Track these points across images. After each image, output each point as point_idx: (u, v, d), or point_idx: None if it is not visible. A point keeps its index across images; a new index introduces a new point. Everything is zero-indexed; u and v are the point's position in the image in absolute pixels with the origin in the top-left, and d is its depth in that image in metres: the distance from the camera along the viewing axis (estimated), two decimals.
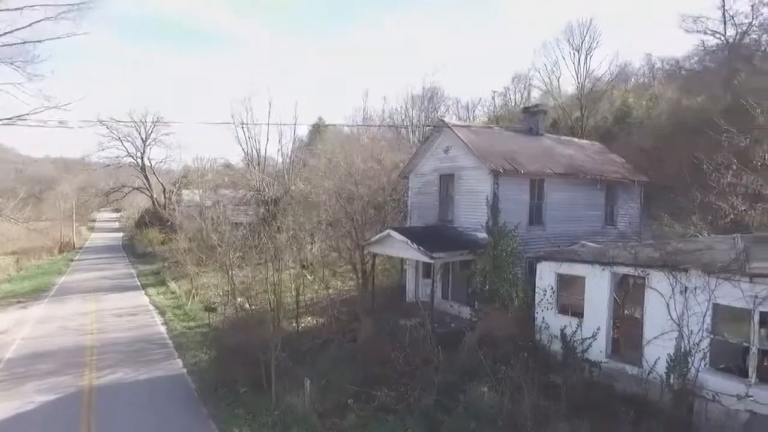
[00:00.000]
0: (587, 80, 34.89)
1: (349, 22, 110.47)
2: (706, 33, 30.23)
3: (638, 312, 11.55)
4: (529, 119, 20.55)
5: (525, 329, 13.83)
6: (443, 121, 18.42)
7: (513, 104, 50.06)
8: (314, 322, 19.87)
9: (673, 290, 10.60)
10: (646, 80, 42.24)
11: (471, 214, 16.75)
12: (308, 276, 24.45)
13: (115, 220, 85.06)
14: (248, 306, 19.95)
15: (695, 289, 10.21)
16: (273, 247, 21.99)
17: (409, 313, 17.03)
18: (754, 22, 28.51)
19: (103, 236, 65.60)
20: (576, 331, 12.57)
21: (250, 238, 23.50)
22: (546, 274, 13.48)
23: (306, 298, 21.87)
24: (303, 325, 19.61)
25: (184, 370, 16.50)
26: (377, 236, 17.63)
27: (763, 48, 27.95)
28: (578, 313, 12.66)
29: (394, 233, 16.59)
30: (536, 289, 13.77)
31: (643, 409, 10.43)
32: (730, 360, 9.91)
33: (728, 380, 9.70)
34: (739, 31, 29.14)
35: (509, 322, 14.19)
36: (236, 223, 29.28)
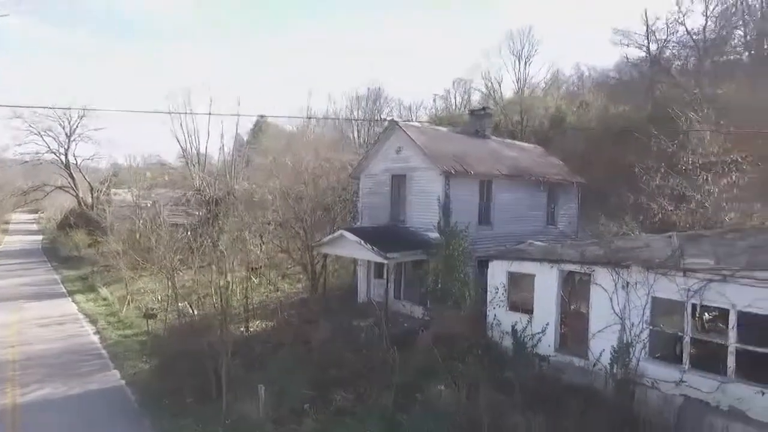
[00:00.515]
0: (526, 86, 36.45)
1: (307, 18, 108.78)
2: (629, 46, 32.62)
3: (584, 307, 12.16)
4: (476, 122, 21.12)
5: (477, 327, 14.16)
6: (395, 121, 18.51)
7: (453, 107, 51.43)
8: (263, 326, 19.28)
9: (616, 285, 11.25)
10: (575, 88, 44.92)
11: (423, 215, 16.94)
12: (254, 279, 23.70)
13: (33, 222, 78.16)
14: (192, 311, 19.03)
15: (636, 284, 10.90)
16: (216, 249, 21.12)
17: (362, 314, 16.94)
18: (670, 38, 31.16)
19: (20, 239, 60.11)
20: (526, 327, 13.02)
21: (191, 240, 22.41)
22: (497, 273, 13.88)
23: (254, 301, 21.18)
24: (252, 329, 18.98)
25: (123, 382, 15.44)
26: (329, 237, 17.40)
27: (681, 62, 30.50)
28: (528, 310, 13.13)
29: (347, 234, 16.43)
30: (488, 288, 14.13)
31: (589, 399, 10.98)
32: (667, 349, 10.66)
33: (665, 368, 10.42)
34: (660, 45, 31.69)
35: (462, 320, 14.49)
36: (175, 224, 27.84)
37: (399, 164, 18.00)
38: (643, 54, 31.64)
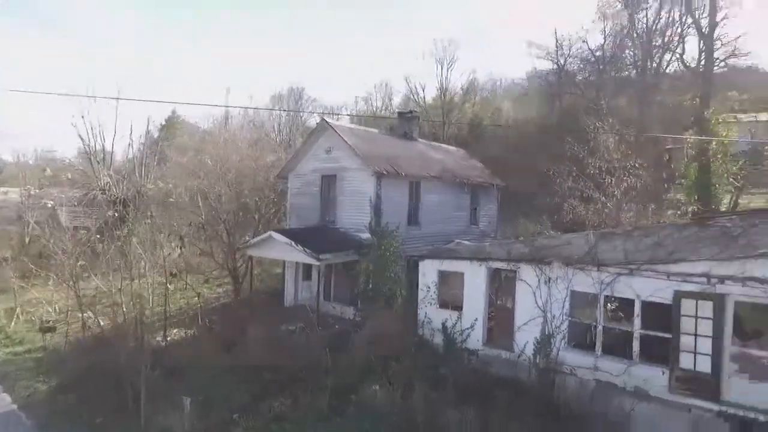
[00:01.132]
0: (448, 91, 37.86)
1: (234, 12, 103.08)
2: (539, 57, 35.16)
3: (510, 302, 12.90)
4: (404, 124, 21.57)
5: (409, 325, 14.46)
6: (326, 121, 18.33)
7: (375, 109, 52.06)
8: (184, 334, 18.16)
9: (539, 281, 12.06)
10: (489, 95, 47.54)
11: (354, 215, 16.97)
12: (171, 284, 22.22)
13: None
14: (99, 322, 17.45)
15: (557, 279, 11.77)
16: (126, 254, 19.53)
17: (291, 318, 16.60)
18: (576, 53, 34.07)
19: None
20: (456, 324, 13.52)
21: (95, 244, 20.51)
22: (429, 272, 14.27)
23: (172, 308, 19.86)
24: (170, 338, 17.80)
25: (15, 406, 13.79)
26: (257, 238, 16.83)
27: (585, 75, 33.39)
28: (457, 307, 13.64)
29: (276, 235, 15.99)
30: (419, 286, 14.48)
31: (515, 389, 11.68)
32: (582, 338, 11.62)
33: (581, 355, 11.36)
34: (566, 59, 34.51)
35: (394, 319, 14.70)
36: (77, 227, 25.30)
37: (329, 164, 17.87)
38: (552, 66, 34.23)
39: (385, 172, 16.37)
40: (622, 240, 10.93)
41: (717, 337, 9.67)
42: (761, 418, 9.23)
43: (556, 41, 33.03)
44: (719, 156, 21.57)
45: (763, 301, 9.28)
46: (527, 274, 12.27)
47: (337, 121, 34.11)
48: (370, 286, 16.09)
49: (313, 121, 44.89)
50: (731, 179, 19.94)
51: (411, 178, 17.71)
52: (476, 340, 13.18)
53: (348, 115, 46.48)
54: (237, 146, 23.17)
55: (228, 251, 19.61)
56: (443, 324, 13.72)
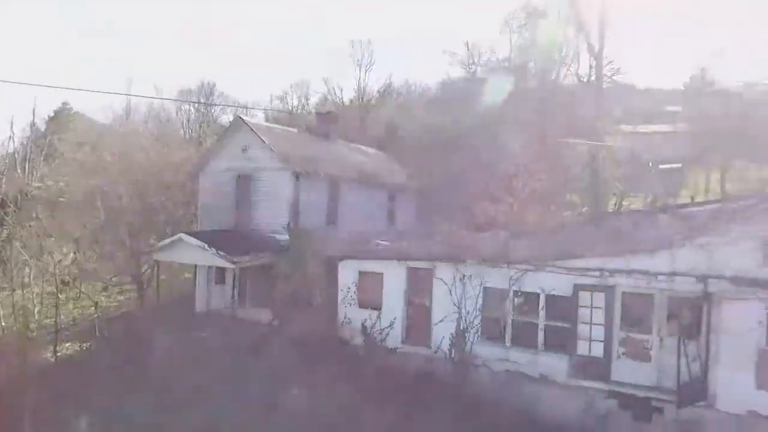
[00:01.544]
0: (365, 94, 38.23)
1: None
2: (451, 64, 36.80)
3: (427, 300, 13.37)
4: (323, 124, 21.42)
5: (329, 327, 14.41)
6: (242, 118, 17.70)
7: (292, 108, 51.14)
8: (78, 348, 16.55)
9: (454, 278, 12.63)
10: (404, 100, 48.79)
11: (272, 216, 16.55)
12: (61, 294, 20.11)
13: None
14: None
15: (471, 276, 12.42)
16: (6, 261, 17.43)
17: (204, 325, 15.83)
18: (481, 61, 36.14)
19: None
20: (376, 323, 13.73)
21: None
22: (348, 272, 14.34)
23: (65, 320, 18.02)
24: (60, 353, 16.15)
25: None
26: (166, 241, 15.82)
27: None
28: (377, 306, 13.86)
29: (187, 238, 15.14)
30: (339, 287, 14.49)
31: (432, 384, 12.15)
32: (494, 331, 12.34)
33: (493, 348, 12.10)
34: (477, 67, 36.45)
35: (314, 321, 14.56)
36: None
37: (245, 163, 17.26)
38: (465, 74, 35.95)
39: (303, 172, 16.19)
40: (529, 238, 11.82)
41: (608, 325, 10.80)
42: (640, 393, 10.46)
43: (468, 50, 34.77)
44: (607, 162, 24.07)
45: (644, 290, 10.52)
46: (444, 272, 12.80)
47: (252, 118, 33.14)
48: (289, 288, 15.79)
49: (226, 118, 43.02)
50: (617, 183, 22.29)
51: (330, 179, 17.66)
52: (395, 338, 13.48)
53: (264, 109, 45.18)
54: (141, 142, 21.57)
55: (131, 256, 18.20)
56: (363, 324, 13.85)
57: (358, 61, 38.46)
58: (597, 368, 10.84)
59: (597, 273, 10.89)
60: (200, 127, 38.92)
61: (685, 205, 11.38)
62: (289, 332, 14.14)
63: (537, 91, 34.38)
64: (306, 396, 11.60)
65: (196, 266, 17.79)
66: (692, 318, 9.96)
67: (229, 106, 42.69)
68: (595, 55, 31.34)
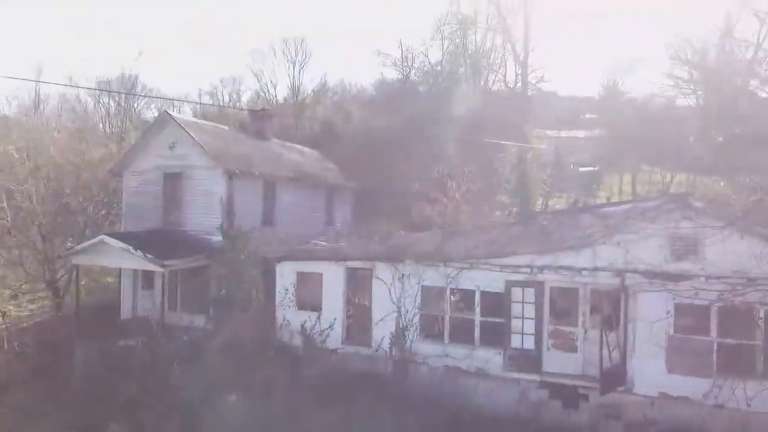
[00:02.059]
0: (299, 92, 37.64)
1: None
2: (386, 66, 37.21)
3: (367, 299, 13.42)
4: (256, 122, 20.81)
5: (267, 329, 14.06)
6: (169, 114, 16.76)
7: (222, 105, 49.22)
8: None
9: (393, 278, 12.78)
10: (339, 99, 48.63)
11: (204, 217, 15.84)
12: None
13: None
14: None
15: (409, 275, 12.62)
16: None
17: (130, 332, 14.82)
18: (415, 64, 36.89)
19: None
20: (315, 324, 13.58)
21: None
22: (287, 273, 14.06)
23: None
24: None
25: None
26: (85, 244, 14.63)
27: (428, 86, 36.29)
28: (316, 307, 13.71)
29: (110, 240, 14.11)
30: (277, 289, 14.18)
31: (372, 383, 12.21)
32: (433, 329, 12.64)
33: (433, 345, 12.38)
34: (409, 69, 37.11)
35: (251, 325, 14.13)
36: None
37: (173, 161, 16.37)
38: (398, 76, 36.50)
39: (237, 172, 15.63)
40: (464, 237, 12.22)
41: (538, 319, 11.42)
42: (567, 382, 11.18)
43: (402, 52, 35.33)
44: (534, 165, 25.48)
45: (569, 285, 11.26)
46: (383, 271, 12.91)
47: (179, 113, 31.54)
48: (223, 291, 15.20)
49: (150, 113, 40.61)
50: (543, 185, 23.65)
51: (266, 178, 17.21)
52: (335, 339, 13.40)
53: (193, 103, 43.10)
54: (54, 136, 19.81)
55: (44, 260, 16.66)
56: (302, 325, 13.65)
57: (291, 58, 37.77)
58: (529, 360, 11.44)
59: (527, 270, 11.49)
60: (122, 122, 36.39)
61: (603, 205, 12.25)
62: (224, 337, 13.62)
63: (468, 97, 35.68)
64: (243, 402, 11.22)
65: (120, 270, 16.63)
66: (612, 310, 10.79)
67: (153, 98, 40.34)
68: (520, 62, 33.12)
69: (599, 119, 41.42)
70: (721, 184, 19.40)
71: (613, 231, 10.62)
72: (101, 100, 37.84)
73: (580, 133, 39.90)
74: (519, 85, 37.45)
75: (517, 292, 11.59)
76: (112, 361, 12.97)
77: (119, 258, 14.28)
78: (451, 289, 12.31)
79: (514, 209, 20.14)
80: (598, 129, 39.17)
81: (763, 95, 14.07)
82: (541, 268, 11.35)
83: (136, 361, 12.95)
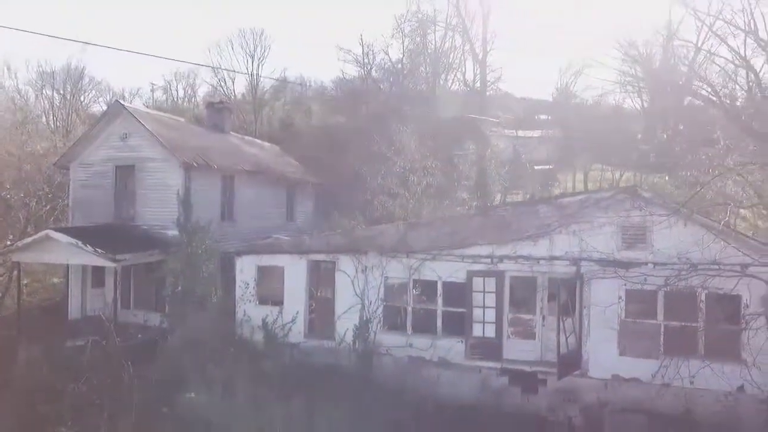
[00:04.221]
0: (258, 87, 36.90)
1: None
2: (347, 62, 37.09)
3: (330, 293, 13.33)
4: (214, 115, 20.25)
5: (227, 325, 13.72)
6: (121, 104, 16.05)
7: (174, 99, 47.60)
8: None
9: (357, 270, 12.76)
10: (298, 95, 48.03)
11: (159, 211, 15.25)
12: None
13: None
14: None
15: (373, 267, 12.64)
16: None
17: (79, 332, 14.13)
18: (376, 61, 36.96)
19: None
20: (277, 319, 13.36)
21: None
22: (247, 268, 13.77)
23: None
24: None
25: None
26: (27, 240, 13.79)
27: (388, 84, 36.45)
28: (278, 302, 13.51)
29: (56, 235, 13.36)
30: (237, 284, 13.86)
31: (337, 375, 12.15)
32: (396, 320, 12.70)
33: (396, 336, 12.45)
34: (370, 66, 37.13)
35: (209, 321, 13.74)
36: None
37: (126, 153, 15.68)
38: (359, 72, 36.44)
39: (195, 164, 15.15)
40: (427, 229, 12.36)
41: (499, 307, 11.71)
42: (526, 368, 11.52)
43: (363, 49, 35.32)
44: (492, 162, 26.05)
45: (528, 274, 11.60)
46: (346, 264, 12.86)
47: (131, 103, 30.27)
48: (180, 287, 14.69)
49: (98, 107, 38.68)
50: (501, 181, 24.25)
51: (224, 172, 16.77)
52: (298, 333, 13.25)
53: (150, 90, 41.39)
54: None
55: None
56: (264, 320, 13.40)
57: (249, 52, 36.98)
58: (490, 348, 11.70)
59: (488, 260, 11.76)
60: (68, 116, 34.44)
61: (560, 196, 12.69)
62: (182, 333, 13.18)
63: (427, 95, 36.13)
64: (202, 398, 10.90)
65: (68, 269, 15.77)
66: (568, 297, 11.20)
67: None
68: (479, 62, 33.84)
69: (552, 120, 42.87)
70: (666, 179, 20.51)
71: (569, 221, 11.02)
72: (44, 92, 35.71)
73: (536, 133, 41.18)
74: (478, 84, 38.26)
75: (478, 282, 11.83)
76: (60, 363, 12.28)
77: (66, 254, 13.54)
78: (414, 281, 12.42)
79: (474, 204, 20.54)
80: (552, 129, 40.55)
81: (704, 93, 15.04)
82: (501, 258, 11.64)
83: (86, 362, 12.33)
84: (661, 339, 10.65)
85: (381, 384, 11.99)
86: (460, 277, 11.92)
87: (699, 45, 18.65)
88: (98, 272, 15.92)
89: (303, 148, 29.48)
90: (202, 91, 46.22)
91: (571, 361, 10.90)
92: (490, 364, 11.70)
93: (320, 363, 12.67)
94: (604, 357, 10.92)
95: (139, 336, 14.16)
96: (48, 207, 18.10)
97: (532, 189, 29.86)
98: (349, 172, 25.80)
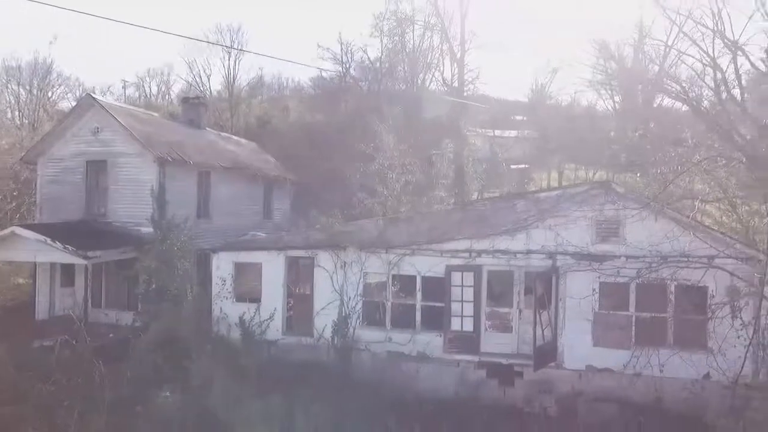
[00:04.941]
0: (235, 84, 36.42)
1: None
2: (324, 59, 36.90)
3: (308, 289, 13.25)
4: (190, 111, 19.88)
5: (203, 323, 13.48)
6: (92, 97, 15.59)
7: (147, 96, 46.57)
8: None
9: (335, 266, 12.70)
10: (275, 93, 47.53)
11: (132, 207, 14.92)
12: None
13: None
14: None
15: (352, 263, 12.60)
16: None
17: (47, 333, 13.70)
18: (354, 59, 36.86)
19: None
20: (254, 316, 13.19)
21: None
22: (224, 265, 13.55)
23: None
24: None
25: None
26: None
27: (366, 82, 36.43)
28: (255, 299, 13.34)
29: (23, 231, 12.93)
30: (213, 281, 13.64)
31: (315, 371, 12.06)
32: (375, 315, 12.69)
33: (375, 331, 12.44)
34: (348, 65, 37.04)
35: (183, 319, 13.48)
36: None
37: (97, 148, 15.26)
38: (337, 70, 36.28)
39: (170, 159, 14.85)
40: (406, 225, 12.40)
41: (477, 301, 11.82)
42: (503, 361, 11.67)
43: (341, 47, 35.22)
44: (470, 160, 26.32)
45: (505, 268, 11.76)
46: (325, 260, 12.80)
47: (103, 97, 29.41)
48: (153, 285, 14.37)
49: (67, 103, 37.48)
50: (479, 179, 24.52)
51: (200, 168, 16.49)
52: (276, 330, 13.11)
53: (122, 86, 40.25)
54: None
55: None
56: (241, 318, 13.21)
57: (226, 48, 36.41)
58: (468, 342, 11.80)
59: (466, 254, 11.87)
60: (35, 111, 33.30)
61: (537, 191, 12.90)
62: (156, 332, 12.88)
63: (406, 94, 36.25)
64: (177, 397, 10.70)
65: (35, 268, 15.26)
66: (544, 290, 11.39)
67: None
68: (457, 61, 34.11)
69: (528, 121, 43.53)
70: (637, 177, 21.07)
71: (545, 215, 11.21)
72: (9, 87, 34.42)
73: (512, 133, 41.78)
74: (455, 84, 38.56)
75: (456, 277, 11.92)
76: (27, 364, 11.86)
77: (34, 251, 13.10)
78: (393, 276, 12.44)
79: (452, 201, 20.69)
80: (527, 130, 41.18)
81: (673, 92, 15.52)
82: (480, 252, 11.76)
83: (55, 362, 11.95)
84: (633, 330, 10.93)
85: (360, 379, 11.95)
86: (438, 271, 11.99)
87: (669, 45, 19.24)
88: (68, 271, 15.46)
89: (280, 146, 29.23)
90: (176, 88, 45.42)
91: (547, 353, 11.08)
92: (468, 357, 11.80)
93: (298, 360, 12.55)
94: (579, 348, 11.15)
95: (111, 335, 13.79)
96: (13, 204, 17.47)
97: (508, 187, 30.30)
98: (327, 170, 25.73)
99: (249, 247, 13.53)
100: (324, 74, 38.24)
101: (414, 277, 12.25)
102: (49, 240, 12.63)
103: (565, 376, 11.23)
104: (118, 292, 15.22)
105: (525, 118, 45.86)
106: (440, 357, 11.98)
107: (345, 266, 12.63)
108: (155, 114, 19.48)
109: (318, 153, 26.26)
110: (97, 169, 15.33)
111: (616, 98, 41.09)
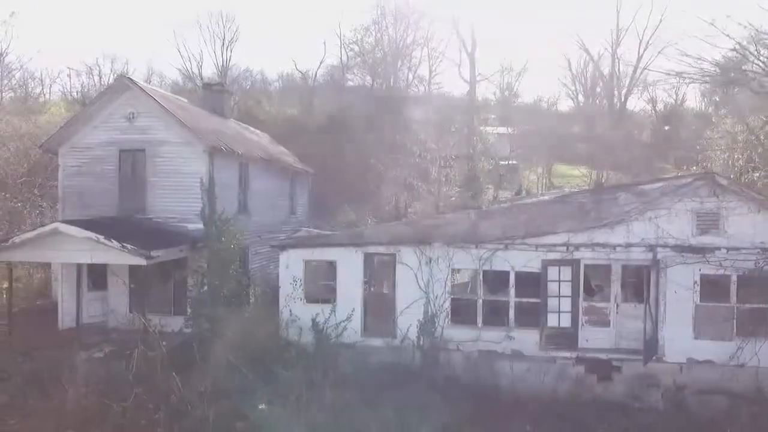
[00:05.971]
0: (228, 71, 34.46)
1: None
2: (323, 53, 35.75)
3: (385, 288, 12.45)
4: (212, 98, 18.29)
5: (270, 328, 12.36)
6: (129, 78, 13.95)
7: (103, 85, 43.09)
8: None
9: (420, 262, 12.00)
10: (261, 86, 45.55)
11: (177, 202, 13.46)
12: None
13: None
14: None
15: (438, 258, 11.94)
16: None
17: (86, 342, 12.13)
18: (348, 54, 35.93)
19: None
20: (330, 317, 12.25)
21: None
22: (293, 263, 12.48)
23: None
24: None
25: None
26: (29, 235, 11.52)
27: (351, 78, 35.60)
28: (327, 299, 12.40)
29: (69, 228, 11.32)
30: (281, 281, 12.55)
31: (402, 374, 11.33)
32: (465, 313, 12.08)
33: (465, 330, 11.85)
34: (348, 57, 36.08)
35: (248, 323, 12.31)
36: None
37: (133, 135, 13.65)
38: (336, 62, 35.17)
39: (223, 150, 13.54)
40: (500, 217, 11.90)
41: (574, 296, 11.53)
42: (602, 356, 11.46)
43: (341, 41, 34.18)
44: (483, 156, 26.24)
45: (603, 262, 11.54)
46: (408, 256, 12.06)
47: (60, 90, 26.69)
48: (205, 287, 13.05)
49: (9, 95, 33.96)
50: (498, 175, 24.44)
51: (242, 159, 15.20)
52: (354, 331, 12.22)
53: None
54: None
55: None
56: (314, 320, 12.20)
57: (220, 35, 34.32)
58: (566, 338, 11.49)
59: (563, 248, 11.53)
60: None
61: (638, 183, 12.77)
62: (222, 338, 11.66)
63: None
64: (277, 410, 9.66)
65: (61, 268, 13.46)
66: (643, 283, 11.27)
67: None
68: (469, 54, 33.91)
69: (512, 119, 44.15)
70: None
71: (647, 207, 11.07)
72: None
73: (500, 130, 42.33)
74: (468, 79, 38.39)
75: (553, 271, 11.57)
76: (80, 378, 10.36)
77: (78, 251, 11.49)
78: (484, 271, 11.90)
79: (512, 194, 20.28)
80: (512, 128, 41.77)
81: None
82: (578, 246, 11.46)
83: (116, 376, 10.52)
84: (734, 321, 11.01)
85: (454, 381, 11.38)
86: (534, 266, 11.58)
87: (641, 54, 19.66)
88: (97, 273, 13.79)
89: (288, 139, 27.89)
90: (171, 74, 42.18)
91: (651, 347, 10.96)
92: (566, 353, 11.49)
93: (380, 363, 11.76)
94: (680, 341, 11.09)
95: (164, 343, 12.34)
96: (29, 196, 15.37)
97: (506, 185, 30.49)
98: (341, 164, 24.71)
99: (323, 244, 12.54)
100: (324, 64, 36.70)
101: (507, 273, 11.77)
102: (102, 238, 11.08)
103: (666, 370, 11.15)
104: (161, 296, 13.68)
105: (494, 117, 46.70)
106: (535, 354, 11.59)
107: (431, 262, 11.95)
108: (184, 99, 17.80)
109: (330, 146, 25.13)
110: (132, 159, 13.72)
111: (593, 99, 42.56)
